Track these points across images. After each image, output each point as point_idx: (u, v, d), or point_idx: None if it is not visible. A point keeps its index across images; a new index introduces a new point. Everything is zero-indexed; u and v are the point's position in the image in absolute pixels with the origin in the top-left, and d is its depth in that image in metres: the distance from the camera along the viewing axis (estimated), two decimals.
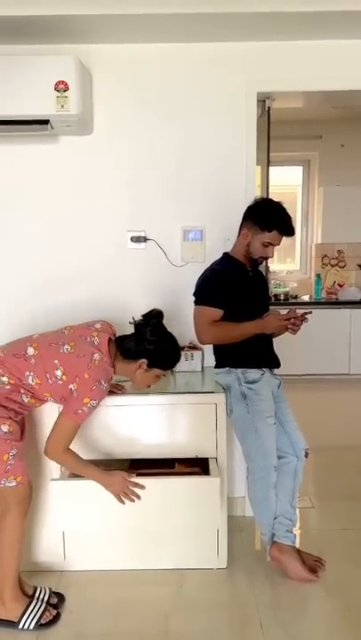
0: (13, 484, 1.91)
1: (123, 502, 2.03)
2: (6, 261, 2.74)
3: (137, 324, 2.04)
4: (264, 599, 2.12)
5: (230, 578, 2.27)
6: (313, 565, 2.27)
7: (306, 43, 2.58)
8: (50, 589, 2.10)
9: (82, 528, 2.21)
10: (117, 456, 2.26)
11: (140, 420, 2.28)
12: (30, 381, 1.96)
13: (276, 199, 2.39)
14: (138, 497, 2.04)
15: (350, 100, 3.70)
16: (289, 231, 2.29)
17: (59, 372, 1.92)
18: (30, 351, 1.97)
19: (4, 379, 1.94)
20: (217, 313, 2.28)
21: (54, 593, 2.11)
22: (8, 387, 1.94)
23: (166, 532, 2.28)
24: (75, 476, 2.11)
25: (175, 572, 2.28)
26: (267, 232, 2.26)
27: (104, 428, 2.24)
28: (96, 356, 1.93)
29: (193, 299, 2.38)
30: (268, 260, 2.66)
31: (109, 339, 2.03)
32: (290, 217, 2.30)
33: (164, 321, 2.08)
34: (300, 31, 2.48)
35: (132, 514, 2.07)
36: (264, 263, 2.61)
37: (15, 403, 1.96)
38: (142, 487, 2.05)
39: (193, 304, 2.37)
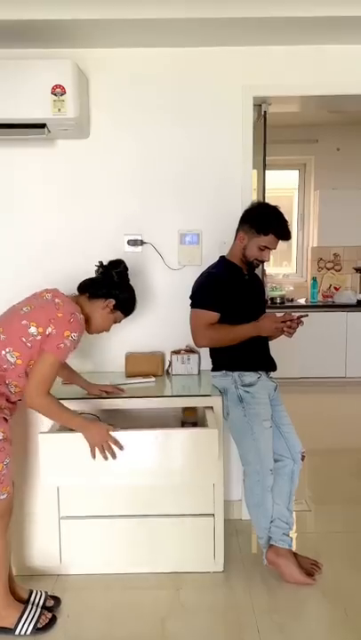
0: (4, 496, 1.88)
1: (94, 457, 1.97)
2: (2, 265, 2.74)
3: (105, 267, 2.15)
4: (261, 603, 2.12)
5: (227, 581, 2.27)
6: (310, 569, 2.27)
7: (302, 48, 2.60)
8: (46, 592, 2.09)
9: (75, 483, 2.18)
10: (112, 461, 2.25)
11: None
12: (10, 358, 1.89)
13: (272, 203, 2.40)
14: (114, 456, 1.98)
15: (346, 104, 3.71)
16: (285, 235, 2.30)
17: (32, 329, 1.88)
18: None
19: None
20: (213, 316, 2.28)
21: (50, 596, 2.10)
22: None
23: (162, 487, 2.25)
24: (64, 429, 2.07)
25: (172, 575, 2.28)
26: (263, 236, 2.27)
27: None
28: (57, 300, 1.95)
29: (190, 302, 2.38)
30: (265, 264, 2.66)
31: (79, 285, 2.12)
32: (286, 221, 2.30)
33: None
34: (297, 36, 2.50)
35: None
36: (260, 266, 2.62)
37: (2, 397, 1.91)
38: (121, 447, 1.99)
39: (190, 307, 2.37)
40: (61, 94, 2.31)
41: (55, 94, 2.31)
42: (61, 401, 1.97)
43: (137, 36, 2.48)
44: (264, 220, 2.28)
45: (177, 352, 2.68)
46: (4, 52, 2.46)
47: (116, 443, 1.99)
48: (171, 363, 2.68)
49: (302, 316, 2.26)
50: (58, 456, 2.04)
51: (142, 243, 2.72)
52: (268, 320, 2.24)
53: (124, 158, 2.68)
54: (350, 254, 5.91)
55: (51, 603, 2.08)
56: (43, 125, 2.39)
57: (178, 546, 2.30)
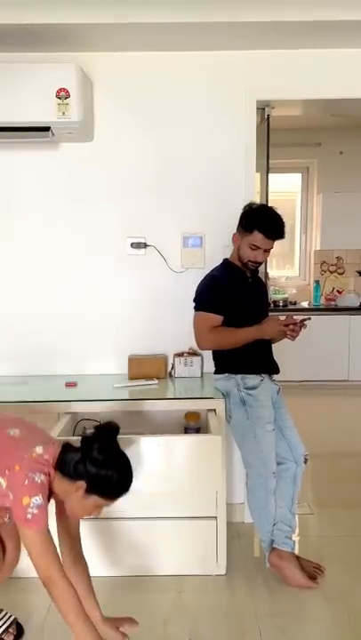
0: None
1: None
2: (6, 265, 2.75)
3: (85, 438, 1.69)
4: (263, 606, 2.11)
5: (229, 584, 2.26)
6: (312, 572, 2.26)
7: (305, 52, 2.60)
8: (14, 618, 1.95)
9: None
10: None
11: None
12: None
13: (275, 206, 2.40)
14: None
15: (349, 108, 3.72)
16: (271, 232, 2.24)
17: None
18: None
19: None
20: (217, 319, 2.28)
21: (17, 624, 1.96)
22: None
23: (167, 494, 2.20)
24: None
25: (174, 578, 2.28)
26: (250, 234, 2.25)
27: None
28: (37, 449, 1.63)
29: (193, 304, 2.38)
30: (268, 267, 2.67)
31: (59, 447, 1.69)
32: (276, 219, 2.27)
33: None
34: (300, 40, 2.51)
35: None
36: (263, 269, 2.62)
37: None
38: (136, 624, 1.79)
39: (193, 310, 2.38)
40: (66, 98, 2.33)
41: (60, 98, 2.32)
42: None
43: (141, 40, 2.49)
44: (249, 218, 2.28)
45: (180, 355, 2.68)
46: (9, 56, 2.47)
47: None
48: (173, 365, 2.68)
49: (305, 320, 2.26)
50: None
51: (146, 245, 2.72)
52: (272, 323, 2.24)
53: (128, 161, 2.69)
54: (353, 257, 5.90)
55: (12, 633, 1.92)
56: (47, 129, 2.40)
57: (180, 549, 2.30)
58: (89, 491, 1.61)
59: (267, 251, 2.30)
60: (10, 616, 1.94)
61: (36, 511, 1.54)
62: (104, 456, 1.63)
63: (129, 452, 2.02)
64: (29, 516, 1.54)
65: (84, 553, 1.86)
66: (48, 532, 1.59)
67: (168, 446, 2.06)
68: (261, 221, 2.24)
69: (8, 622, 1.93)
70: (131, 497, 2.27)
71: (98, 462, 1.62)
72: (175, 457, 2.07)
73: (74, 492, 1.62)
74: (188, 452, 2.07)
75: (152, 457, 2.05)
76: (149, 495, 2.22)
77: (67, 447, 1.68)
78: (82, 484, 1.61)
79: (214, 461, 2.06)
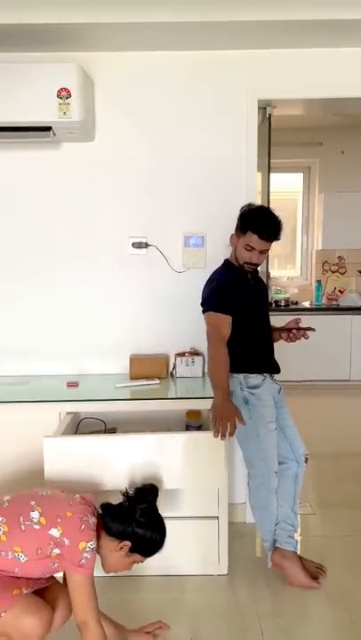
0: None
1: None
2: (7, 265, 2.75)
3: (129, 499, 1.80)
4: (265, 606, 2.11)
5: (231, 585, 2.26)
6: (314, 572, 2.26)
7: (306, 51, 2.60)
8: None
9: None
10: (116, 464, 2.25)
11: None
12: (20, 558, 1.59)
13: (276, 206, 2.40)
14: None
15: (350, 107, 3.71)
16: (264, 233, 2.21)
17: (35, 514, 1.63)
18: (5, 497, 1.72)
19: None
20: (228, 319, 2.23)
21: None
22: None
23: (166, 489, 2.16)
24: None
25: (176, 578, 2.27)
26: (244, 234, 2.24)
27: (104, 435, 2.24)
28: (77, 496, 1.72)
29: (194, 304, 2.37)
30: (269, 267, 2.66)
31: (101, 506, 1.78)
32: (272, 220, 2.24)
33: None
34: (301, 39, 2.50)
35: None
36: (264, 270, 2.62)
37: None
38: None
39: (194, 310, 2.35)
40: (67, 97, 2.32)
41: (61, 97, 2.32)
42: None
43: (142, 40, 2.49)
44: (245, 219, 2.26)
45: (181, 354, 2.68)
46: (10, 56, 2.47)
47: None
48: (175, 365, 2.68)
49: (308, 330, 2.24)
50: (62, 460, 2.05)
51: (147, 245, 2.72)
52: (229, 413, 2.07)
53: (129, 161, 2.69)
54: (355, 257, 5.89)
55: None
56: (48, 128, 2.40)
57: (182, 549, 2.29)
58: (132, 550, 1.73)
59: (262, 252, 2.27)
60: None
61: (89, 557, 1.60)
62: (148, 519, 1.75)
63: (131, 451, 2.03)
64: (83, 562, 1.59)
65: None
66: (93, 580, 1.64)
67: (170, 443, 2.05)
68: (256, 222, 2.22)
69: None
70: None
71: (143, 525, 1.73)
72: (177, 454, 2.07)
73: (117, 550, 1.72)
74: (190, 448, 2.07)
75: (153, 453, 2.06)
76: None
77: (108, 508, 1.77)
78: (127, 543, 1.72)
79: (216, 457, 2.06)
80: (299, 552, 2.31)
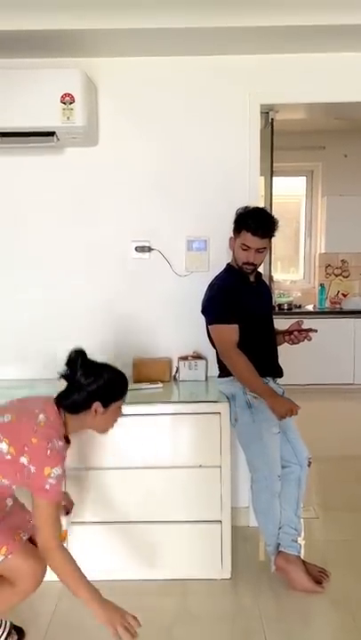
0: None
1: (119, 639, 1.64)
2: (10, 269, 2.76)
3: (66, 376, 1.80)
4: (268, 610, 2.11)
5: (234, 589, 2.26)
6: (318, 576, 2.25)
7: (308, 55, 2.61)
8: (10, 623, 1.94)
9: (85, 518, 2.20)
10: (118, 465, 2.26)
11: (144, 429, 2.28)
12: None
13: (279, 209, 2.42)
14: (135, 635, 1.64)
15: (353, 111, 3.72)
16: (257, 229, 2.23)
17: (3, 445, 1.67)
18: None
19: None
20: (235, 329, 2.25)
21: (15, 626, 1.96)
22: None
23: (169, 492, 2.24)
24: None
25: (179, 582, 2.27)
26: (239, 234, 2.28)
27: (106, 437, 2.23)
28: (40, 417, 1.70)
29: (197, 308, 2.38)
30: (272, 270, 2.67)
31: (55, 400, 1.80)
32: (263, 217, 2.28)
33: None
34: (303, 44, 2.51)
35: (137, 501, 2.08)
36: (267, 273, 2.63)
37: None
38: (139, 625, 1.66)
39: (199, 317, 2.36)
40: (70, 103, 2.34)
41: (64, 103, 2.34)
42: None
43: (145, 45, 2.51)
44: (238, 219, 2.30)
45: (184, 358, 2.68)
46: (14, 62, 2.49)
47: (135, 620, 1.67)
48: (178, 369, 2.69)
49: (311, 331, 2.25)
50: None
51: (150, 249, 2.73)
52: (287, 404, 2.19)
53: (132, 166, 2.70)
54: (358, 261, 5.89)
55: (14, 638, 1.93)
56: (52, 134, 2.41)
57: (185, 552, 2.29)
58: (105, 404, 1.75)
59: (259, 251, 2.28)
60: (6, 622, 1.93)
61: (54, 482, 1.63)
62: (92, 372, 1.76)
63: (133, 452, 2.02)
64: (47, 487, 1.63)
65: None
66: (59, 507, 1.69)
67: (174, 418, 2.09)
68: (248, 220, 2.26)
69: (7, 630, 1.93)
70: (134, 500, 2.28)
71: (93, 381, 1.74)
72: (178, 431, 2.12)
73: (94, 415, 1.75)
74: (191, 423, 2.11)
75: (155, 453, 2.08)
76: (154, 496, 2.22)
77: (60, 397, 1.78)
78: (97, 404, 1.74)
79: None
80: (302, 556, 2.31)
